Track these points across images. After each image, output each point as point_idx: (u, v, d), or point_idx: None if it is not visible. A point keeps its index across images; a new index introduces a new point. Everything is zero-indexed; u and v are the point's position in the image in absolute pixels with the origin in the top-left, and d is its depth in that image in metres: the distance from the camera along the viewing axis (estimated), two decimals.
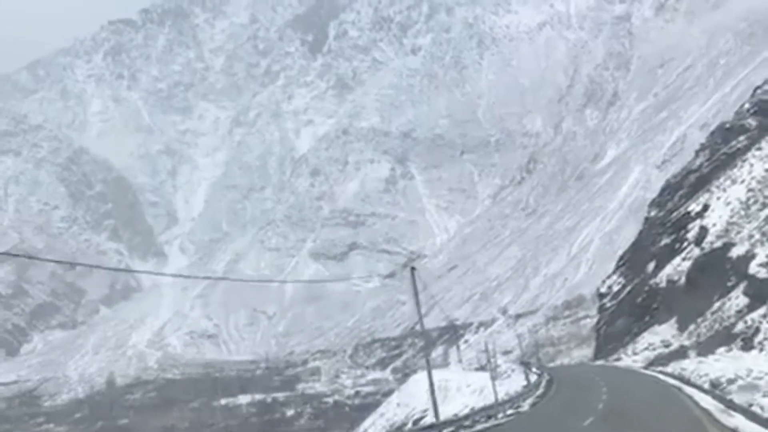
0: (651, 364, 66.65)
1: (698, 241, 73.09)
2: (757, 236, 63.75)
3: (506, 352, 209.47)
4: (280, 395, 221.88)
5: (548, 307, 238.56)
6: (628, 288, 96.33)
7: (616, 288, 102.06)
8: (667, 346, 71.34)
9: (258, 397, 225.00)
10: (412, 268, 47.14)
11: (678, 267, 75.17)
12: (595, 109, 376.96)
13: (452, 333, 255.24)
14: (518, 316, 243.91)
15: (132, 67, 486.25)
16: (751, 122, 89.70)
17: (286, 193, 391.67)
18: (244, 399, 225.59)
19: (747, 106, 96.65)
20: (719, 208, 72.69)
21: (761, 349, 49.27)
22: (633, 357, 74.96)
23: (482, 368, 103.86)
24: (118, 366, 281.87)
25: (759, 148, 74.54)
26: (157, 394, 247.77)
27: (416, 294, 49.32)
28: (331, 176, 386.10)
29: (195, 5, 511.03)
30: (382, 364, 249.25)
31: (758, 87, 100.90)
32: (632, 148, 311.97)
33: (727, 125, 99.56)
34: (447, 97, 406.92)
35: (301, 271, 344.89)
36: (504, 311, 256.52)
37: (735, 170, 76.07)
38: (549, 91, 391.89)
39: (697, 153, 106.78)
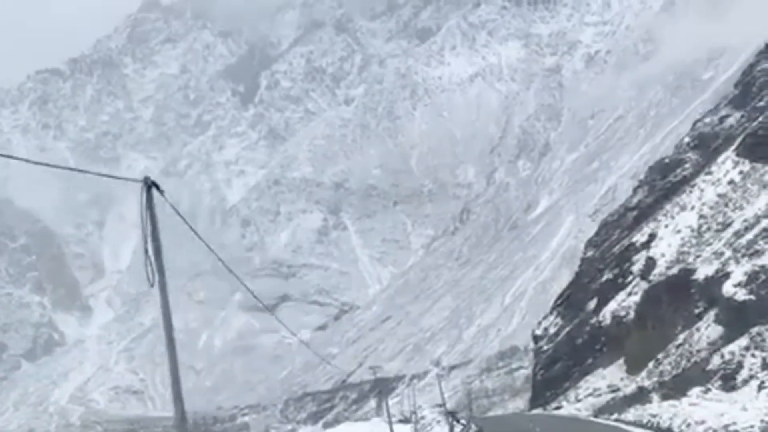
0: (600, 412, 58.83)
1: (645, 273, 68.23)
2: (728, 253, 57.58)
3: (438, 405, 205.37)
4: None
5: (482, 359, 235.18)
6: (567, 329, 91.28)
7: (553, 330, 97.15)
8: (614, 391, 64.52)
9: None
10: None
11: (623, 302, 69.95)
12: (527, 160, 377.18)
13: (383, 386, 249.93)
14: (452, 368, 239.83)
15: (59, 117, 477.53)
16: (692, 156, 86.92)
17: (214, 245, 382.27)
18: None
19: (687, 140, 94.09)
20: (668, 236, 68.24)
21: (754, 389, 42.12)
22: (576, 405, 67.58)
23: (406, 420, 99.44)
24: (38, 423, 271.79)
25: (709, 173, 70.98)
26: None
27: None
28: (262, 227, 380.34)
29: (125, 55, 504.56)
30: (314, 418, 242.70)
31: (698, 120, 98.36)
32: (564, 198, 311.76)
33: (666, 160, 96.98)
34: (380, 147, 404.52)
35: (230, 323, 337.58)
36: (437, 363, 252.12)
37: (683, 196, 72.36)
38: (481, 142, 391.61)
39: (635, 190, 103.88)
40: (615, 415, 50.22)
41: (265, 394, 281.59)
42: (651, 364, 58.49)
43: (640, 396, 53.96)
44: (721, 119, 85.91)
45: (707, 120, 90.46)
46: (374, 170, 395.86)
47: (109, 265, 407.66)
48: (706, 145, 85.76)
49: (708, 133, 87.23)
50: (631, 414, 46.70)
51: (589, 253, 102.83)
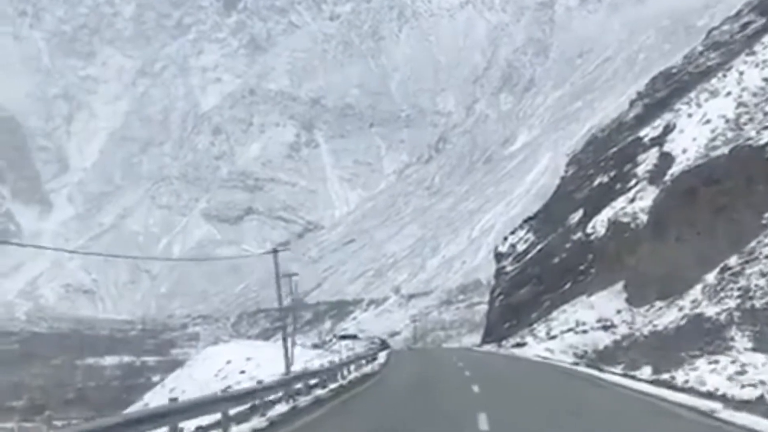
0: (585, 357, 41.62)
1: (657, 173, 52.95)
2: None
3: (394, 334, 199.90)
4: (151, 359, 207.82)
5: (443, 290, 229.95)
6: (540, 246, 75.72)
7: (522, 247, 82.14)
8: (607, 327, 47.92)
9: (126, 359, 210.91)
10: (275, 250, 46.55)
11: (624, 210, 53.73)
12: (509, 94, 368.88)
13: (341, 308, 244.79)
14: (411, 297, 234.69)
15: (37, 5, 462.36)
16: (708, 61, 74.09)
17: (184, 150, 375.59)
18: (110, 360, 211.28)
19: (700, 48, 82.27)
20: (691, 128, 52.26)
21: None
22: (546, 343, 50.33)
23: (320, 345, 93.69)
24: None
25: (751, 53, 56.57)
26: (19, 347, 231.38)
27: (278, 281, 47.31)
28: (233, 136, 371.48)
29: None
30: (265, 335, 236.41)
31: (714, 28, 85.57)
32: (543, 135, 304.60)
33: (674, 69, 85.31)
34: (361, 66, 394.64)
35: (190, 231, 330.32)
36: (397, 290, 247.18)
37: (714, 81, 57.32)
38: (465, 71, 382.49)
39: (631, 103, 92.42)
40: (621, 368, 31.22)
41: (219, 306, 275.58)
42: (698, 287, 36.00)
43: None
44: (743, 26, 74.23)
45: (725, 27, 79.67)
46: (353, 89, 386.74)
47: (74, 161, 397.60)
48: (721, 49, 74.07)
49: (725, 41, 75.37)
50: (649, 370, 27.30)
51: (570, 172, 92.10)
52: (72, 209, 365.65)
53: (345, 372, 37.76)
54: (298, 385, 28.18)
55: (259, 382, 24.62)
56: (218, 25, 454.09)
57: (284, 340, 71.62)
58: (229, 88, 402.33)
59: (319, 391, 29.48)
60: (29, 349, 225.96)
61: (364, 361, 47.41)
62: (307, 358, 60.97)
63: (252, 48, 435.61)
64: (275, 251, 48.94)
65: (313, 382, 30.13)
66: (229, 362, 73.96)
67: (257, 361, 68.69)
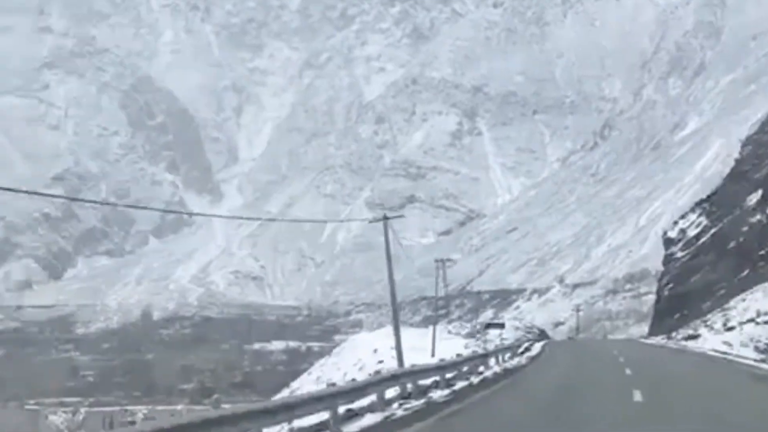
0: None
1: None
2: None
3: (557, 324, 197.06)
4: (316, 345, 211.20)
5: (608, 280, 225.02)
6: (714, 230, 70.61)
7: (693, 232, 76.54)
8: None
9: (292, 344, 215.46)
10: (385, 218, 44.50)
11: None
12: (678, 78, 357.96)
13: (503, 297, 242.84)
14: (575, 286, 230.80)
15: (207, 0, 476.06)
16: None
17: (348, 140, 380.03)
18: (277, 345, 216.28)
19: None
20: None
21: None
22: (722, 335, 45.56)
23: (473, 334, 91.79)
24: (158, 299, 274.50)
25: None
26: (191, 331, 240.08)
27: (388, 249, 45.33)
28: (396, 125, 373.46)
29: None
30: (427, 322, 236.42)
31: None
32: (715, 120, 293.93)
33: None
34: (524, 53, 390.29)
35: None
36: (561, 280, 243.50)
37: None
38: (632, 56, 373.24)
39: None
40: None
41: (381, 293, 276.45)
42: None
43: None
44: None
45: None
46: (516, 76, 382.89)
47: (244, 152, 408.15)
48: None
49: None
50: None
51: (747, 152, 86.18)
52: (241, 198, 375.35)
53: (483, 366, 35.51)
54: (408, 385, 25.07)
55: (352, 380, 23.37)
56: (382, 15, 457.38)
57: (434, 328, 71.15)
58: (392, 78, 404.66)
59: (432, 394, 25.90)
60: (200, 334, 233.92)
61: (509, 354, 45.05)
62: (454, 347, 59.93)
63: (415, 37, 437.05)
64: (385, 218, 46.06)
65: (427, 382, 27.14)
66: (375, 351, 73.66)
67: (405, 349, 68.13)
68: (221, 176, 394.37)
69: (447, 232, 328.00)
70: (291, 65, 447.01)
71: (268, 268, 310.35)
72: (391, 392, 24.44)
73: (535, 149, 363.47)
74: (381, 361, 63.36)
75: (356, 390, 20.68)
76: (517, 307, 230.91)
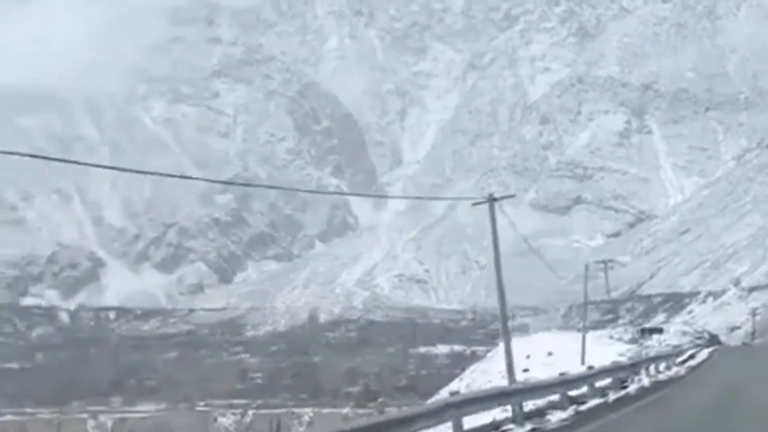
0: None
1: None
2: None
3: (733, 328, 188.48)
4: (480, 349, 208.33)
5: None
6: None
7: None
8: None
9: (457, 348, 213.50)
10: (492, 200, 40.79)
11: None
12: None
13: (675, 301, 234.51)
14: (752, 290, 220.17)
15: (371, 5, 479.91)
16: None
17: (512, 141, 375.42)
18: (442, 349, 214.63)
19: None
20: None
21: None
22: None
23: (636, 339, 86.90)
24: (324, 302, 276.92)
25: None
26: (356, 334, 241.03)
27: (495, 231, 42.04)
28: (561, 126, 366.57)
29: None
30: (595, 327, 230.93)
31: None
32: None
33: None
34: (695, 48, 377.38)
35: (518, 222, 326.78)
36: (736, 282, 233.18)
37: None
38: None
39: None
40: None
41: (548, 297, 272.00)
42: None
43: None
44: None
45: None
46: (687, 73, 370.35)
47: (408, 155, 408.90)
48: None
49: None
50: None
51: None
52: (405, 201, 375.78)
53: (633, 377, 31.19)
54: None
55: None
56: (546, 14, 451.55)
57: (583, 335, 67.58)
58: (557, 77, 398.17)
59: (551, 417, 22.19)
60: (366, 337, 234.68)
61: (664, 364, 40.50)
62: (610, 354, 56.39)
63: (581, 35, 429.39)
64: (492, 200, 42.15)
65: (542, 402, 23.42)
66: (528, 357, 70.61)
67: (558, 356, 64.87)
68: (385, 179, 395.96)
69: (616, 234, 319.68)
70: (454, 67, 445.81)
71: (432, 271, 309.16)
72: (496, 413, 20.93)
73: (708, 147, 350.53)
74: (526, 370, 60.81)
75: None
76: (690, 311, 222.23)
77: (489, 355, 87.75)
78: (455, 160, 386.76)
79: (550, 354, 69.21)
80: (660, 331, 71.67)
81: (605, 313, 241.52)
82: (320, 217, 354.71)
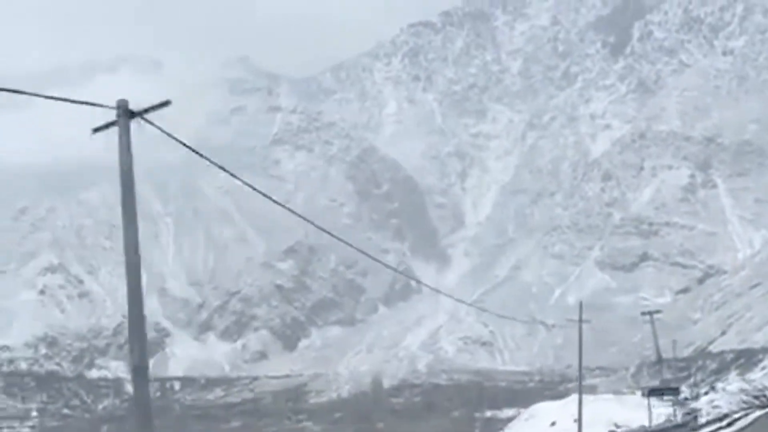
0: None
1: None
2: None
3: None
4: None
5: None
6: None
7: None
8: None
9: (524, 411, 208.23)
10: None
11: None
12: None
13: (747, 358, 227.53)
14: None
15: (428, 69, 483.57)
16: None
17: (575, 199, 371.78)
18: (509, 412, 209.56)
19: None
20: None
21: None
22: None
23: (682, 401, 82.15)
24: (388, 367, 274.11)
25: None
26: (421, 399, 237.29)
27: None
28: (624, 182, 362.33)
29: (496, 8, 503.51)
30: (665, 385, 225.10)
31: None
32: None
33: None
34: (758, 100, 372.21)
35: (585, 281, 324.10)
36: None
37: None
38: None
39: None
40: None
41: (616, 356, 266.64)
42: None
43: None
44: None
45: None
46: (750, 125, 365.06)
47: (469, 216, 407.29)
48: None
49: None
50: None
51: None
52: (468, 263, 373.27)
53: None
54: None
55: None
56: (605, 71, 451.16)
57: (578, 399, 64.42)
58: (618, 134, 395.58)
59: None
60: (431, 401, 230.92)
61: None
62: (642, 418, 52.96)
63: (641, 91, 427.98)
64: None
65: None
66: (553, 424, 67.09)
67: (586, 422, 61.19)
68: (447, 241, 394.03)
69: (685, 290, 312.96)
70: (514, 128, 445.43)
71: (497, 333, 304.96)
72: None
73: None
74: None
75: None
76: (764, 368, 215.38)
77: (512, 423, 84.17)
78: (517, 220, 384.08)
79: (574, 421, 65.95)
80: (675, 391, 67.54)
81: (677, 370, 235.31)
82: (383, 281, 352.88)
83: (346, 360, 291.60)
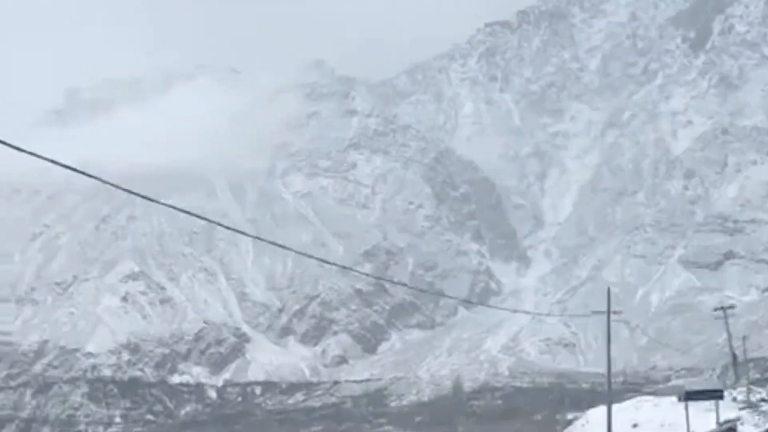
0: None
1: None
2: None
3: None
4: None
5: None
6: None
7: None
8: None
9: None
10: None
11: None
12: None
13: None
14: None
15: (505, 69, 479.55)
16: None
17: (657, 197, 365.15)
18: (591, 414, 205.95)
19: None
20: None
21: None
22: None
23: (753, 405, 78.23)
24: (468, 370, 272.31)
25: None
26: (502, 402, 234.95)
27: None
28: (707, 179, 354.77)
29: (573, 5, 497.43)
30: (754, 385, 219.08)
31: None
32: None
33: None
34: None
35: (668, 280, 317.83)
36: None
37: None
38: None
39: None
40: None
41: (702, 356, 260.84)
42: None
43: None
44: None
45: None
46: None
47: (549, 217, 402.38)
48: None
49: None
50: None
51: None
52: (548, 264, 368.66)
53: None
54: None
55: None
56: (686, 67, 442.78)
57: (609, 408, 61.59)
58: (700, 130, 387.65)
59: None
60: (512, 404, 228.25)
61: None
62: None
63: (723, 86, 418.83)
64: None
65: None
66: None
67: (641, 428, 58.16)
68: (527, 242, 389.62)
69: None
70: (593, 126, 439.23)
71: (579, 334, 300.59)
72: None
73: None
74: None
75: None
76: None
77: (569, 428, 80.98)
78: (598, 220, 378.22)
79: (635, 426, 62.60)
80: (718, 393, 62.85)
81: (764, 371, 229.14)
82: (462, 284, 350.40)
83: (427, 363, 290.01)
